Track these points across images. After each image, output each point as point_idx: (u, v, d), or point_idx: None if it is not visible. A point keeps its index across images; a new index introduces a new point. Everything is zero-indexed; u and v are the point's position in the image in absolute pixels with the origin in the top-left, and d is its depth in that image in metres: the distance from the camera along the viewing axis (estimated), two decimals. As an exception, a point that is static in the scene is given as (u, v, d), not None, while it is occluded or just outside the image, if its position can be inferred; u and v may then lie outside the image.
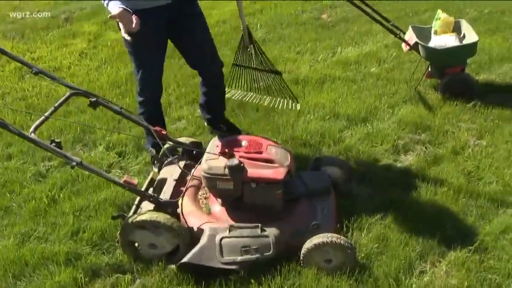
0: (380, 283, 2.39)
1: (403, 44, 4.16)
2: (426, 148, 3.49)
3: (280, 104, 3.54)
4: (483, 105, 3.93)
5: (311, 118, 3.84)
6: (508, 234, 2.70)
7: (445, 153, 3.42)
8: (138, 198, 2.77)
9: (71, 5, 7.42)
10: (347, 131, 3.73)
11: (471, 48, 4.01)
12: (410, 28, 4.22)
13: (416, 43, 4.01)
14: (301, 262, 2.46)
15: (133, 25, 2.73)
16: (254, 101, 3.65)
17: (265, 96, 3.59)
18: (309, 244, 2.41)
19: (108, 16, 2.79)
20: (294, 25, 5.93)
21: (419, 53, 4.09)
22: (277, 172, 2.54)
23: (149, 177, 3.01)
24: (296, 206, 2.68)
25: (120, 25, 2.82)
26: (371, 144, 3.57)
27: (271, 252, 2.43)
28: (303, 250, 2.43)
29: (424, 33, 4.24)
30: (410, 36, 4.09)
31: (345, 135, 3.68)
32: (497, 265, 2.51)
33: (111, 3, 2.76)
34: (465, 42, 4.09)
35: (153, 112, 3.34)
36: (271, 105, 3.62)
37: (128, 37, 2.89)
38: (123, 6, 2.73)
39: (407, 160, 3.40)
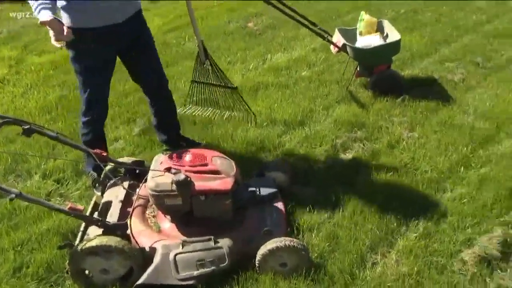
0: (336, 280, 2.44)
1: (332, 47, 4.30)
2: (363, 144, 3.62)
3: (238, 118, 3.58)
4: (411, 99, 4.13)
5: (249, 126, 3.86)
6: (446, 218, 2.85)
7: (381, 147, 3.56)
8: (83, 224, 2.67)
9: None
10: (286, 136, 3.78)
11: (395, 46, 4.20)
12: (336, 30, 4.36)
13: (344, 45, 4.15)
14: (257, 269, 2.48)
15: (64, 34, 2.64)
16: (213, 116, 3.66)
17: (223, 111, 3.59)
18: (263, 250, 2.43)
19: (39, 22, 2.67)
20: (222, 35, 5.95)
21: (347, 54, 4.24)
22: (225, 183, 2.54)
23: (93, 202, 2.92)
24: (245, 215, 2.69)
25: (50, 32, 2.72)
26: (310, 146, 3.64)
27: (226, 263, 2.42)
28: (258, 257, 2.45)
29: (350, 35, 4.39)
30: (338, 38, 4.24)
31: (284, 139, 3.74)
32: (440, 247, 2.64)
33: (42, 11, 2.62)
34: (389, 40, 4.29)
35: (97, 132, 3.23)
36: (230, 120, 3.67)
37: (58, 45, 2.79)
38: (53, 16, 2.63)
39: (347, 158, 3.50)
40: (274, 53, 5.32)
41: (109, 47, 2.98)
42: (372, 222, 2.81)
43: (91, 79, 3.02)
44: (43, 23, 2.62)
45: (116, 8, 2.85)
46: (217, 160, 2.66)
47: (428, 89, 4.37)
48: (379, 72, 4.25)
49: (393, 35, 4.27)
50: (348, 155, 3.53)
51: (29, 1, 2.65)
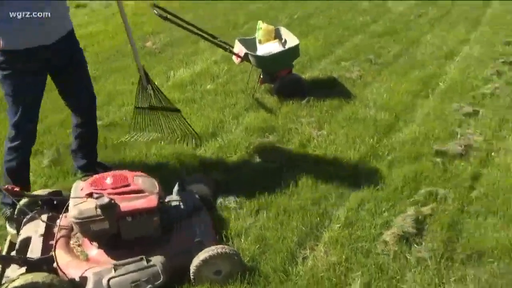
0: (271, 279, 2.50)
1: (234, 57, 4.40)
2: (274, 148, 3.73)
3: (183, 141, 3.55)
4: (315, 99, 4.33)
5: (162, 143, 3.83)
6: (364, 205, 3.02)
7: (294, 148, 3.69)
8: (-1, 267, 2.51)
9: None
10: (200, 148, 3.80)
11: (295, 51, 4.40)
12: (237, 41, 4.48)
13: (246, 54, 4.27)
14: (193, 281, 2.47)
15: None
16: (159, 141, 3.65)
17: (168, 135, 3.52)
18: (196, 261, 2.43)
19: None
20: (121, 57, 5.86)
21: (250, 62, 4.36)
22: (150, 200, 2.51)
23: (7, 241, 2.75)
24: (173, 230, 2.67)
25: None
26: (225, 155, 3.69)
27: (161, 279, 2.39)
28: (192, 269, 2.45)
29: (250, 44, 4.53)
30: (239, 48, 4.35)
31: (199, 152, 3.75)
32: (363, 233, 2.79)
33: None
34: (288, 46, 4.47)
35: (23, 159, 3.05)
36: (176, 144, 3.66)
37: None
38: None
39: (262, 162, 3.59)
40: (176, 69, 5.32)
41: (39, 69, 2.86)
42: (296, 220, 2.90)
43: (20, 102, 2.88)
44: None
45: (44, 30, 2.75)
46: (138, 179, 2.63)
47: (330, 89, 4.62)
48: (282, 77, 4.42)
49: (292, 41, 4.46)
50: (263, 159, 3.62)
51: None
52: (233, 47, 4.43)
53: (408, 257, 2.63)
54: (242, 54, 4.30)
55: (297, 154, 3.62)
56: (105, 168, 3.49)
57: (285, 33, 4.62)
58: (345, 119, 4.05)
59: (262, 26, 4.59)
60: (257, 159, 3.64)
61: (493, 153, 3.51)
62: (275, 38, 4.61)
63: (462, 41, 5.67)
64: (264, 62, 4.33)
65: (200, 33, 4.18)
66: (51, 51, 2.83)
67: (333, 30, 6.19)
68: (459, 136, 3.72)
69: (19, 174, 2.88)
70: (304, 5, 7.31)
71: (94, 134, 3.45)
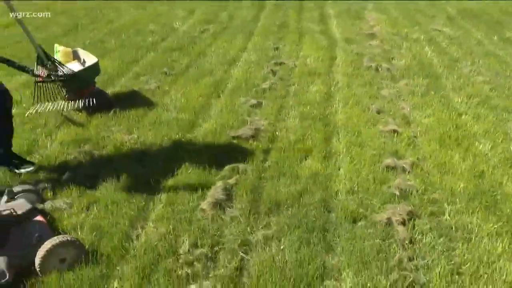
0: (112, 256, 2.84)
1: (38, 79, 4.53)
2: (91, 155, 4.02)
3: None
4: (121, 110, 4.70)
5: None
6: (180, 186, 3.53)
7: (110, 152, 4.03)
8: None
9: None
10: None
11: (95, 68, 4.72)
12: (36, 64, 4.61)
13: (49, 75, 4.45)
14: (40, 273, 2.68)
15: None
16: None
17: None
18: (41, 252, 2.65)
19: None
20: None
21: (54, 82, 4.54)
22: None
23: None
24: (10, 232, 2.83)
25: None
26: (46, 167, 3.85)
27: (7, 277, 2.56)
28: (38, 261, 2.65)
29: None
30: (41, 70, 4.50)
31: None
32: (183, 208, 3.29)
33: None
34: (87, 65, 4.77)
35: None
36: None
37: None
38: None
39: (78, 167, 3.85)
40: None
41: None
42: (125, 207, 3.27)
43: None
44: None
45: None
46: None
47: (133, 100, 5.03)
48: (88, 93, 4.69)
49: (90, 59, 4.78)
50: (82, 165, 3.88)
51: None
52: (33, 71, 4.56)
53: (223, 217, 3.21)
54: (44, 75, 4.47)
55: (114, 156, 3.97)
56: (24, 161, 3.81)
57: (82, 53, 4.91)
58: (151, 123, 4.51)
59: (60, 49, 4.82)
60: (76, 166, 3.87)
61: (277, 132, 4.34)
62: (74, 59, 4.87)
63: (240, 49, 6.60)
64: (70, 81, 4.55)
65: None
66: None
67: (127, 51, 6.62)
68: (249, 122, 4.48)
69: None
70: (95, 31, 7.61)
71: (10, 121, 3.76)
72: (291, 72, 5.78)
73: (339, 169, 3.79)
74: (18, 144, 4.14)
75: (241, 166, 3.77)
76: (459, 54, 6.53)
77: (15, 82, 5.49)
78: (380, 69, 5.87)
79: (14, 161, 3.80)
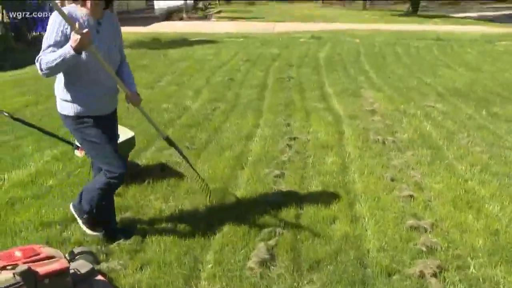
0: None
1: (77, 151, 4.91)
2: (134, 221, 4.31)
3: None
4: (155, 181, 5.04)
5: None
6: (225, 248, 3.83)
7: (149, 219, 4.33)
8: None
9: None
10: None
11: (132, 142, 5.11)
12: (77, 138, 5.01)
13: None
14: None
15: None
16: None
17: None
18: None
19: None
20: None
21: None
22: (62, 263, 2.93)
23: None
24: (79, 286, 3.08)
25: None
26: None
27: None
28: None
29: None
30: (83, 143, 4.89)
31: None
32: (232, 266, 3.58)
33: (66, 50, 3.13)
34: (123, 139, 5.14)
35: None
36: None
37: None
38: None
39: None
40: (11, 170, 5.45)
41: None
42: (177, 268, 3.55)
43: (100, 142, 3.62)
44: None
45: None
46: (45, 248, 3.02)
47: (163, 171, 5.38)
48: (122, 165, 5.06)
49: (127, 134, 5.17)
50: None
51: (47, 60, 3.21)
52: (74, 143, 4.95)
53: (270, 274, 3.50)
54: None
55: (155, 221, 4.27)
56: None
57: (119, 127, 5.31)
58: (185, 192, 4.82)
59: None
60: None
61: (303, 199, 4.71)
62: (109, 133, 5.27)
63: (254, 125, 7.08)
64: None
65: (42, 129, 4.68)
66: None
67: (147, 126, 7.01)
68: (275, 189, 4.86)
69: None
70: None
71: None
72: (305, 146, 6.24)
73: (366, 230, 4.14)
74: (62, 213, 4.43)
75: (278, 229, 4.09)
76: (454, 128, 7.09)
77: (47, 155, 5.82)
78: (386, 142, 6.36)
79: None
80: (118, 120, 4.03)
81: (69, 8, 3.37)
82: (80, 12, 3.36)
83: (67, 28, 3.24)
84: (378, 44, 17.18)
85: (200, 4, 41.14)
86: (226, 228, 4.13)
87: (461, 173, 5.39)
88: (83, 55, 3.27)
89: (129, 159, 5.24)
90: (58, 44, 3.22)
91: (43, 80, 10.18)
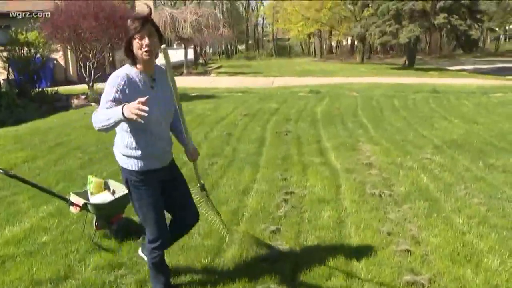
0: None
1: (72, 208, 4.90)
2: (128, 278, 4.25)
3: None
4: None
5: None
6: None
7: (144, 276, 4.27)
8: None
9: None
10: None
11: (127, 198, 5.05)
12: (72, 193, 5.02)
13: (85, 204, 4.83)
14: None
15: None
16: None
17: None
18: None
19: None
20: None
21: (89, 211, 4.90)
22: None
23: None
24: None
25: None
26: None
27: None
28: None
29: (83, 196, 5.10)
30: (77, 200, 4.89)
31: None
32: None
33: (114, 117, 3.11)
34: (117, 195, 5.16)
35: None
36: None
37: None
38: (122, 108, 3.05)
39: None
40: (4, 226, 5.42)
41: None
42: None
43: (150, 210, 3.73)
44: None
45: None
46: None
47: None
48: (117, 221, 5.03)
49: (122, 190, 5.18)
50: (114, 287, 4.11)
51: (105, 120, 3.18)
52: (68, 199, 4.95)
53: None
54: (80, 204, 4.85)
55: (149, 278, 4.20)
56: None
57: (113, 184, 5.33)
58: (180, 248, 4.74)
59: (93, 180, 5.24)
60: (115, 290, 4.10)
61: (299, 256, 4.65)
62: (104, 189, 5.28)
63: (251, 180, 7.08)
64: (103, 209, 4.92)
65: (39, 186, 4.68)
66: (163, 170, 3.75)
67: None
68: (271, 245, 4.81)
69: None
70: (109, 165, 8.11)
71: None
72: (302, 200, 6.21)
73: (362, 286, 4.07)
74: (54, 270, 4.38)
75: (272, 286, 4.03)
76: (452, 180, 7.08)
77: (42, 211, 5.80)
78: (383, 195, 6.34)
79: None
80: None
81: (125, 69, 3.47)
82: (135, 71, 3.48)
83: (125, 87, 3.35)
84: (376, 97, 17.42)
85: (201, 60, 42.13)
86: (221, 285, 4.06)
87: (459, 226, 5.34)
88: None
89: (124, 215, 5.23)
90: (116, 102, 3.29)
91: (41, 135, 10.36)
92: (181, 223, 4.07)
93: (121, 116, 3.05)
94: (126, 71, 3.43)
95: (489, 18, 39.39)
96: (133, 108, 2.95)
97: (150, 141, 3.56)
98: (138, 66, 3.48)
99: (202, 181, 4.25)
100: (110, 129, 3.24)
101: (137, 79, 3.45)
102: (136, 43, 3.35)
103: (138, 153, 3.56)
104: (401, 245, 4.82)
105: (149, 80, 3.52)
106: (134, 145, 3.55)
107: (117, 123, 3.18)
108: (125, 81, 3.36)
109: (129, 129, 3.52)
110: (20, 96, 15.22)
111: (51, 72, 22.67)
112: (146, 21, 3.34)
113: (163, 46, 3.40)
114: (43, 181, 6.89)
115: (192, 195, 4.13)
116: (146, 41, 3.32)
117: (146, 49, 3.34)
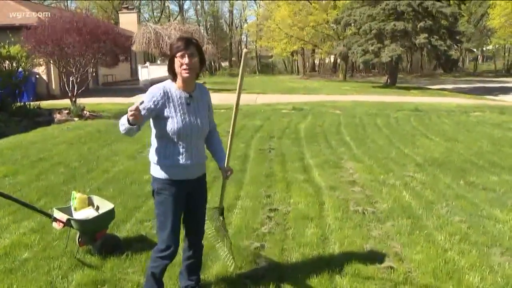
0: None
1: (56, 224, 4.85)
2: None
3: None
4: (134, 253, 4.97)
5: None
6: None
7: (129, 293, 4.25)
8: None
9: None
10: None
11: (111, 214, 5.09)
12: (55, 209, 4.99)
13: (69, 220, 4.80)
14: None
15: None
16: None
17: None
18: None
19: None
20: None
21: (72, 227, 4.86)
22: None
23: None
24: None
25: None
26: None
27: None
28: None
29: (67, 212, 5.06)
30: (61, 216, 4.85)
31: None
32: None
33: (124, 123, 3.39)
34: (102, 211, 5.13)
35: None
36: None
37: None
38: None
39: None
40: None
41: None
42: None
43: (168, 219, 3.79)
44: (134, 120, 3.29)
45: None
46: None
47: (143, 243, 5.29)
48: (101, 237, 5.00)
49: (106, 205, 5.16)
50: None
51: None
52: (52, 215, 4.91)
53: None
54: (64, 220, 4.81)
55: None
56: None
57: (97, 200, 5.31)
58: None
59: (77, 196, 5.21)
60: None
61: (284, 273, 4.66)
62: (89, 205, 5.25)
63: (235, 197, 7.08)
64: (87, 225, 4.89)
65: (22, 202, 4.63)
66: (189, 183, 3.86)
67: (126, 198, 7.00)
68: (255, 262, 4.82)
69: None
70: (92, 180, 8.05)
71: (200, 258, 4.29)
72: (286, 217, 6.24)
73: (347, 304, 4.09)
74: (36, 287, 4.32)
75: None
76: (433, 197, 7.18)
77: (24, 227, 5.73)
78: (366, 212, 6.41)
79: None
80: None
81: (166, 83, 3.74)
82: (174, 86, 3.72)
83: (160, 99, 3.62)
84: (359, 115, 17.60)
85: (185, 76, 42.05)
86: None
87: (441, 243, 5.42)
88: (174, 125, 3.64)
89: (108, 231, 5.19)
90: (147, 110, 3.56)
91: (22, 150, 10.25)
92: (193, 237, 4.23)
93: (125, 119, 3.35)
94: (165, 85, 3.71)
95: (467, 39, 40.29)
96: (128, 112, 3.26)
97: (177, 153, 3.72)
98: (178, 82, 3.71)
99: (223, 205, 4.39)
100: (127, 133, 3.44)
101: (174, 94, 3.69)
102: (177, 61, 3.59)
103: (163, 162, 3.73)
104: (384, 262, 4.87)
105: (186, 97, 3.73)
106: (161, 154, 3.74)
107: (130, 129, 3.40)
108: (161, 94, 3.64)
109: (160, 140, 3.75)
110: (1, 111, 15.04)
111: (33, 86, 22.43)
112: (189, 42, 3.59)
113: (245, 50, 3.75)
114: (25, 197, 6.83)
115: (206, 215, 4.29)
116: (186, 60, 3.56)
117: (185, 67, 3.57)
